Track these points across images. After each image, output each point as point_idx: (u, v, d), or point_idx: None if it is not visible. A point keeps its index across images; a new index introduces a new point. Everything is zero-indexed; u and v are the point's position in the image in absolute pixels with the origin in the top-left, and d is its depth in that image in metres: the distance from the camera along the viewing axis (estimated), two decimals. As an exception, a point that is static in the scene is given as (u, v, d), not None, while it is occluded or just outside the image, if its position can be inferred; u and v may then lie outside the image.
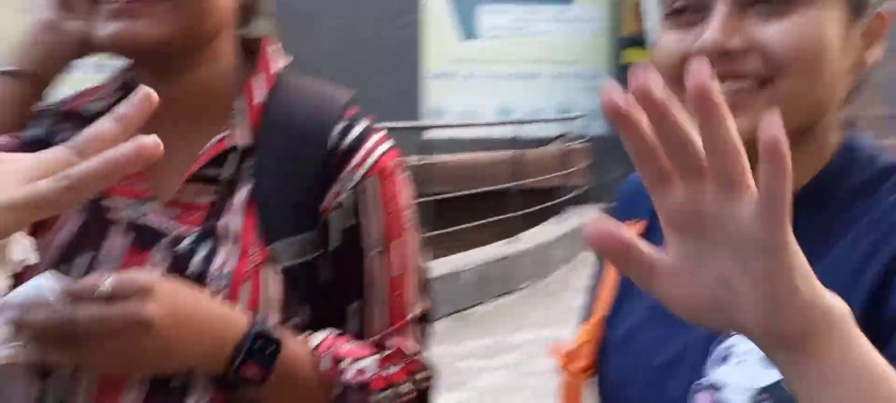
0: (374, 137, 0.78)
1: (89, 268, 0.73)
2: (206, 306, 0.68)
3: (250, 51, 0.79)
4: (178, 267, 0.72)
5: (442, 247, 5.21)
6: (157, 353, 0.63)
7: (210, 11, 0.71)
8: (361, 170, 0.76)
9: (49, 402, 0.73)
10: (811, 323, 0.40)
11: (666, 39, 0.63)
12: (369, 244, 0.76)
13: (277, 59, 0.81)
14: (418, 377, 0.78)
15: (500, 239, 5.54)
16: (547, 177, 6.29)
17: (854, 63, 0.62)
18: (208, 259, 0.72)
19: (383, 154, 0.77)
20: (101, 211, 0.75)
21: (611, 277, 0.74)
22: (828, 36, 0.59)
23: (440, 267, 4.70)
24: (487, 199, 5.71)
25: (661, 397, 0.65)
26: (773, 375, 0.57)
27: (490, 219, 5.40)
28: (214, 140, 0.75)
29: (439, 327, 4.40)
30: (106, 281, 0.60)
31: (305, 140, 0.76)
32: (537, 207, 6.01)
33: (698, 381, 0.62)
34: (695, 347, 0.63)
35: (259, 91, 0.78)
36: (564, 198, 6.55)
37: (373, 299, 0.77)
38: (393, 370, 0.76)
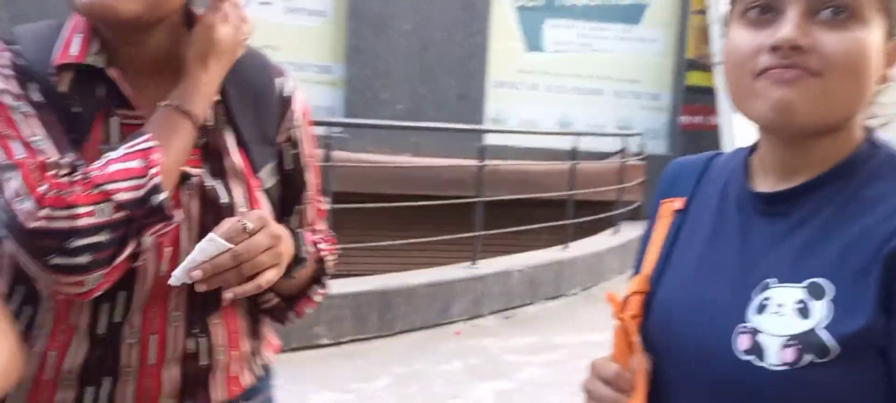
0: (299, 88, 1.05)
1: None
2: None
3: (191, 21, 0.95)
4: (208, 200, 0.92)
5: (496, 248, 5.41)
6: (280, 257, 0.89)
7: None
8: (299, 113, 1.04)
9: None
10: None
11: (739, 36, 0.74)
12: (306, 164, 1.05)
13: None
14: (335, 246, 1.11)
15: (553, 247, 5.71)
16: (602, 189, 6.40)
17: (881, 76, 0.74)
18: (228, 192, 0.94)
19: (305, 101, 1.06)
20: None
21: (658, 239, 0.86)
22: (870, 50, 0.70)
23: (494, 266, 4.88)
24: (543, 207, 5.86)
25: (709, 334, 0.74)
26: (803, 325, 0.68)
27: (544, 225, 5.56)
28: None
29: (489, 321, 4.63)
30: (248, 222, 0.85)
31: (260, 92, 1.00)
32: (591, 217, 6.13)
33: (743, 324, 0.72)
34: (740, 294, 0.74)
35: None
36: (618, 211, 6.65)
37: (307, 201, 1.07)
38: (328, 245, 1.08)
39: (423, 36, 7.43)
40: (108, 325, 0.91)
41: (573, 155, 5.83)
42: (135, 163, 0.82)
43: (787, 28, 0.69)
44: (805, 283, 0.70)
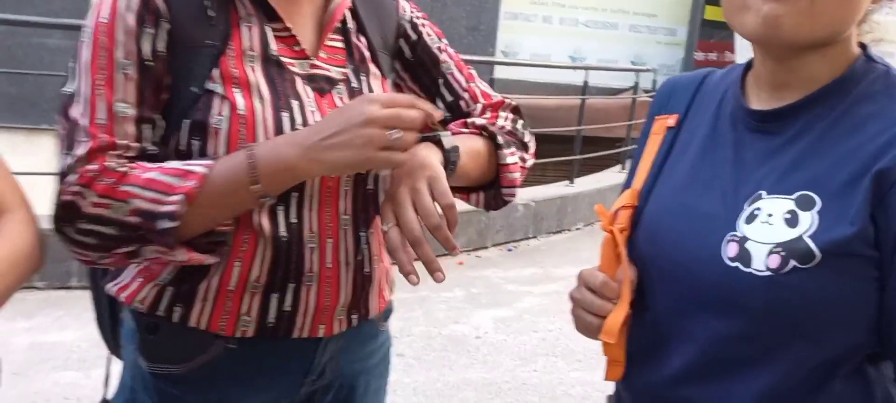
0: None
1: (302, 113, 0.90)
2: None
3: None
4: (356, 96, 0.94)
5: (502, 181, 5.44)
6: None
7: None
8: (404, 6, 1.07)
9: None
10: None
11: None
12: (428, 41, 1.07)
13: None
14: (505, 111, 1.10)
15: (560, 182, 5.75)
16: (611, 125, 6.38)
17: None
18: (371, 91, 0.97)
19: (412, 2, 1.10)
20: (285, 70, 0.91)
21: (650, 154, 0.87)
22: None
23: (498, 198, 4.97)
24: (551, 142, 5.86)
25: (699, 243, 0.76)
26: (791, 233, 0.70)
27: (551, 160, 5.59)
28: (336, 2, 0.97)
29: (492, 253, 4.72)
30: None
31: (381, 6, 1.03)
32: (599, 154, 6.14)
33: (732, 232, 0.73)
34: (731, 205, 0.75)
35: None
36: (626, 148, 6.64)
37: (448, 69, 1.07)
38: (492, 112, 1.08)
39: (436, -36, 7.29)
40: (288, 227, 0.90)
41: (584, 90, 5.80)
42: (169, 179, 0.82)
43: None
44: (795, 195, 0.71)
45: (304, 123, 0.89)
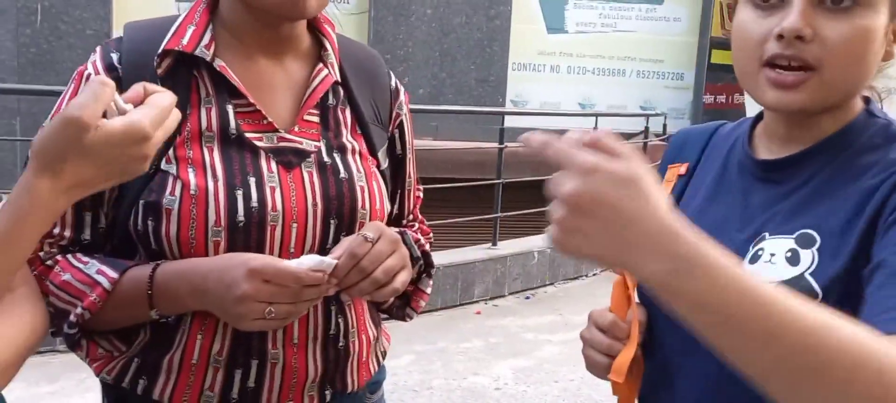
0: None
1: (259, 189, 0.89)
2: None
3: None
4: (328, 173, 0.94)
5: (516, 229, 5.47)
6: (406, 258, 0.94)
7: None
8: (405, 102, 1.08)
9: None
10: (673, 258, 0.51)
11: (746, 17, 0.76)
12: (407, 151, 1.09)
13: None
14: (430, 235, 1.15)
15: (574, 227, 5.71)
16: (623, 170, 6.36)
17: (885, 54, 0.75)
18: (346, 167, 0.96)
19: (406, 93, 1.11)
20: (246, 146, 0.91)
21: None
22: (873, 36, 0.72)
23: (514, 247, 4.95)
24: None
25: None
26: (792, 271, 0.71)
27: (564, 207, 5.57)
28: (321, 76, 0.96)
29: (510, 301, 4.71)
30: (368, 232, 0.88)
31: (375, 78, 1.04)
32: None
33: None
34: (736, 246, 0.76)
35: (333, 39, 1.00)
36: (640, 192, 6.59)
37: (407, 188, 1.12)
38: (424, 237, 1.12)
39: (443, 20, 7.46)
40: None
41: (594, 136, 5.81)
42: (80, 286, 0.88)
43: (792, 17, 0.71)
44: (796, 234, 0.73)
45: (260, 199, 0.89)
